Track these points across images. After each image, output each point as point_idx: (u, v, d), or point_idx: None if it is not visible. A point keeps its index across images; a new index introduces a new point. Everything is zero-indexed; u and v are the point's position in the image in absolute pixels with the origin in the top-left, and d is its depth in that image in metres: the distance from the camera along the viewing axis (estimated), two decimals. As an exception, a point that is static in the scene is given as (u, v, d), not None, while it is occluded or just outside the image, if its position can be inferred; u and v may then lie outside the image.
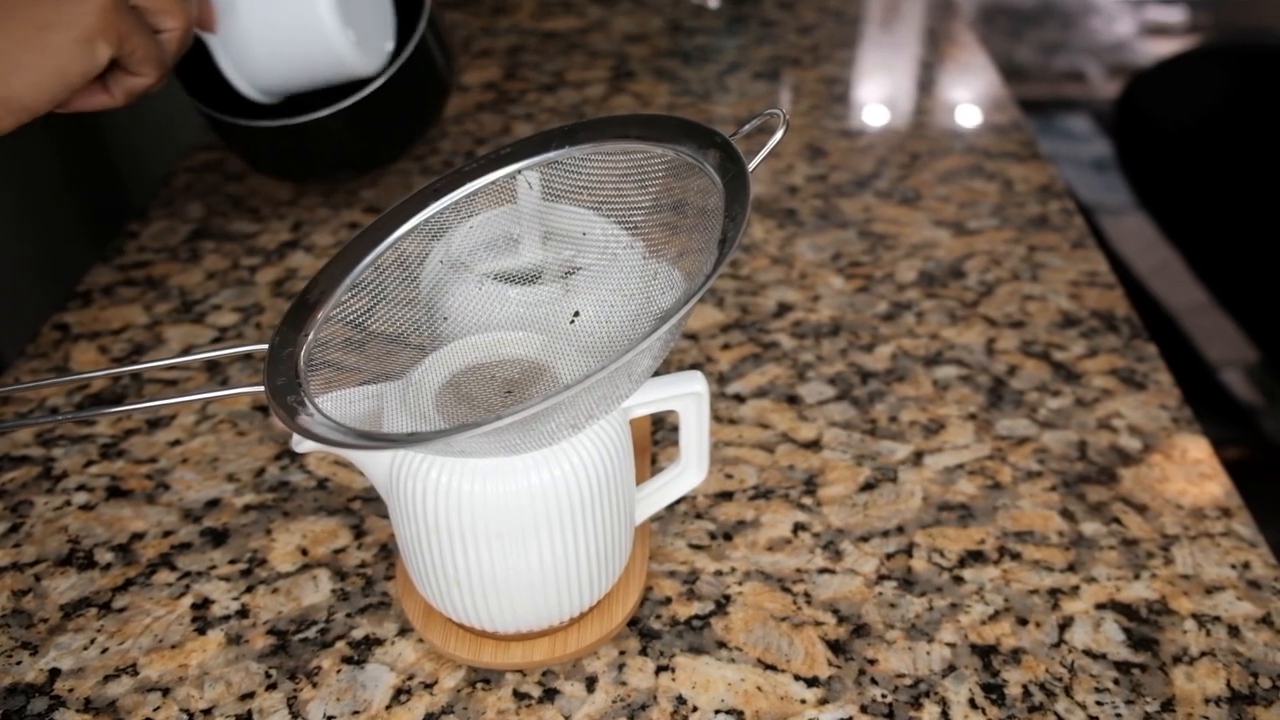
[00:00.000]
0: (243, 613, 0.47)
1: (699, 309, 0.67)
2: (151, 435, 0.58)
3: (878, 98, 0.96)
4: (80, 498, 0.54)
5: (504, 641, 0.44)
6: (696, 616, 0.47)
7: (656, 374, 0.42)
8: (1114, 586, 0.48)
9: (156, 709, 0.43)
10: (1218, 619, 0.46)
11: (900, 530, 0.51)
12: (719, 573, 0.49)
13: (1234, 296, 1.20)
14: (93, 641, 0.46)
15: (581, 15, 1.13)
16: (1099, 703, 0.43)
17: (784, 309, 0.67)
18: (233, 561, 0.50)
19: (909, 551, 0.50)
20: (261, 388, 0.37)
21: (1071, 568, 0.49)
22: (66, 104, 0.51)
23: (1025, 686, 0.43)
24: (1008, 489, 0.53)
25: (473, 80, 0.99)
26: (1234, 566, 0.49)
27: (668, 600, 0.48)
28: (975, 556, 0.50)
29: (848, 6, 1.15)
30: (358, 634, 0.46)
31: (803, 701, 0.43)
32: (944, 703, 0.43)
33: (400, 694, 0.44)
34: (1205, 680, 0.44)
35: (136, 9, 0.50)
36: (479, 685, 0.44)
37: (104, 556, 0.50)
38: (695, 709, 0.43)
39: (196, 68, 0.66)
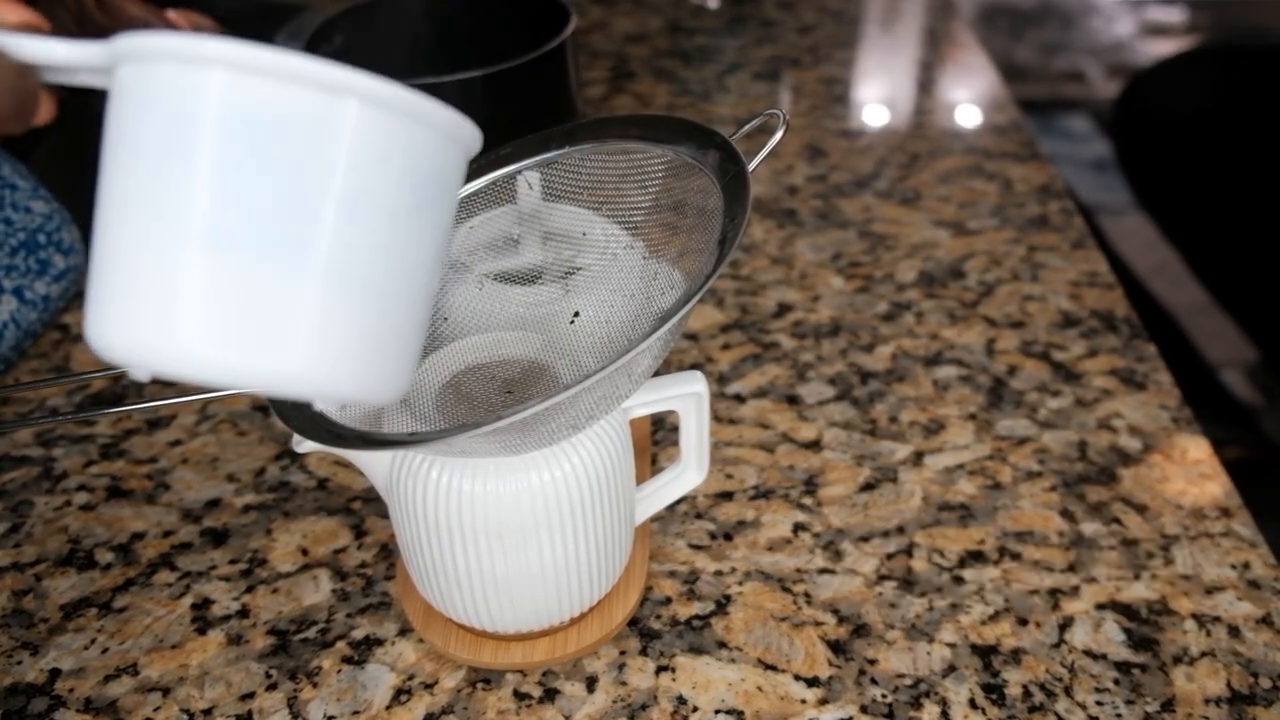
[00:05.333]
0: (243, 613, 0.47)
1: (699, 309, 0.67)
2: (151, 435, 0.58)
3: (878, 98, 0.96)
4: (80, 498, 0.54)
5: (504, 641, 0.44)
6: (697, 616, 0.47)
7: (656, 374, 0.42)
8: (1114, 587, 0.48)
9: (157, 709, 0.43)
10: (1218, 619, 0.46)
11: (900, 530, 0.51)
12: (719, 573, 0.49)
13: (1234, 296, 1.20)
14: (93, 641, 0.46)
15: (582, 15, 1.13)
16: (1099, 703, 0.43)
17: (784, 309, 0.67)
18: (233, 561, 0.50)
19: (909, 551, 0.50)
20: (262, 388, 0.37)
21: (1071, 568, 0.49)
22: None
23: (1025, 687, 0.44)
24: (1008, 489, 0.53)
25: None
26: (1234, 566, 0.49)
27: (668, 600, 0.48)
28: (975, 557, 0.50)
29: (848, 6, 1.15)
30: (358, 634, 0.46)
31: (803, 701, 0.43)
32: (944, 703, 0.43)
33: (400, 694, 0.44)
34: (1205, 680, 0.44)
35: None
36: (479, 685, 0.44)
37: (104, 556, 0.50)
38: (695, 709, 0.43)
39: None
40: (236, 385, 0.24)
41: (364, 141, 0.23)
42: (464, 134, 0.26)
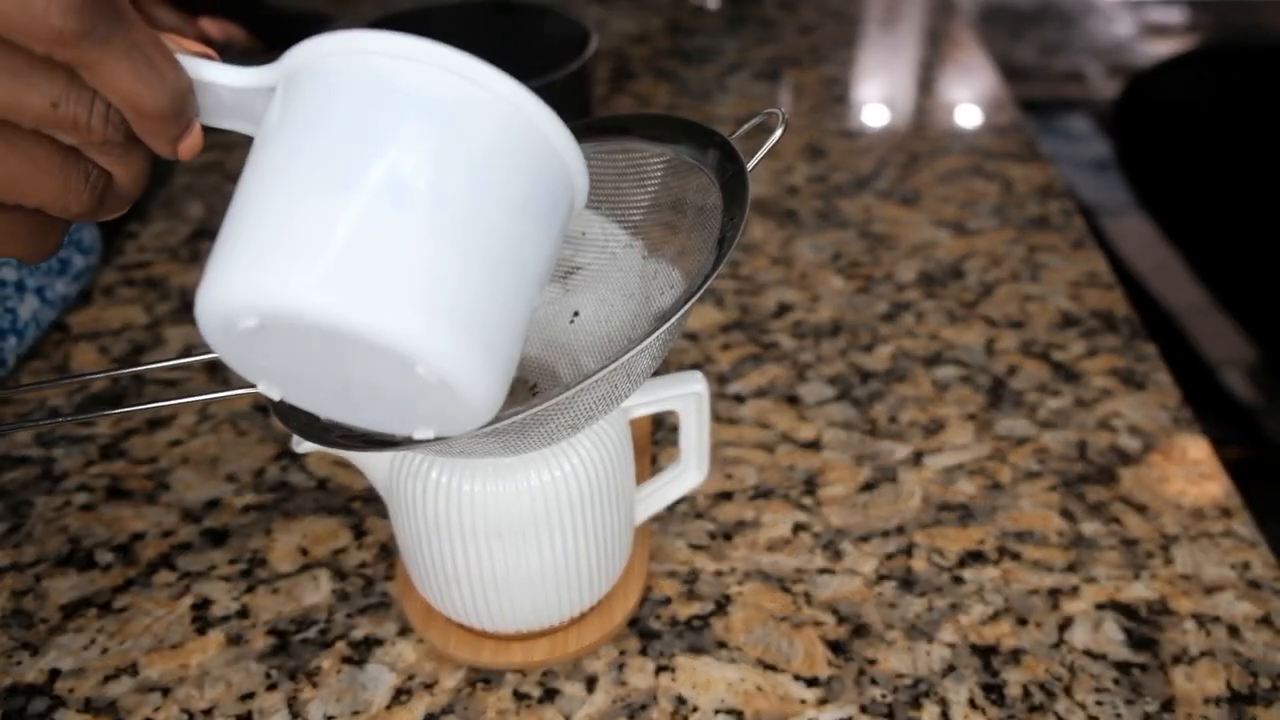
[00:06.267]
0: (243, 613, 0.47)
1: (699, 309, 0.67)
2: (152, 435, 0.58)
3: (878, 98, 0.96)
4: (80, 498, 0.54)
5: (504, 641, 0.44)
6: (696, 616, 0.47)
7: (656, 374, 0.42)
8: (1114, 586, 0.48)
9: (157, 709, 0.43)
10: (1218, 619, 0.46)
11: (900, 530, 0.51)
12: (719, 573, 0.49)
13: (1234, 296, 1.20)
14: (93, 642, 0.46)
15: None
16: (1099, 703, 0.43)
17: (784, 309, 0.67)
18: (233, 561, 0.50)
19: (909, 551, 0.50)
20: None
21: (1071, 568, 0.49)
22: None
23: (1025, 687, 0.43)
24: (1007, 489, 0.53)
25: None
26: (1234, 566, 0.49)
27: (668, 600, 0.48)
28: (975, 556, 0.50)
29: (848, 6, 1.15)
30: (358, 634, 0.46)
31: (803, 702, 0.43)
32: (944, 703, 0.43)
33: (400, 694, 0.44)
34: (1205, 680, 0.44)
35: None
36: (479, 685, 0.44)
37: (104, 557, 0.50)
38: (695, 709, 0.43)
39: None
40: (341, 327, 0.25)
41: (491, 126, 0.27)
42: (567, 148, 0.29)
